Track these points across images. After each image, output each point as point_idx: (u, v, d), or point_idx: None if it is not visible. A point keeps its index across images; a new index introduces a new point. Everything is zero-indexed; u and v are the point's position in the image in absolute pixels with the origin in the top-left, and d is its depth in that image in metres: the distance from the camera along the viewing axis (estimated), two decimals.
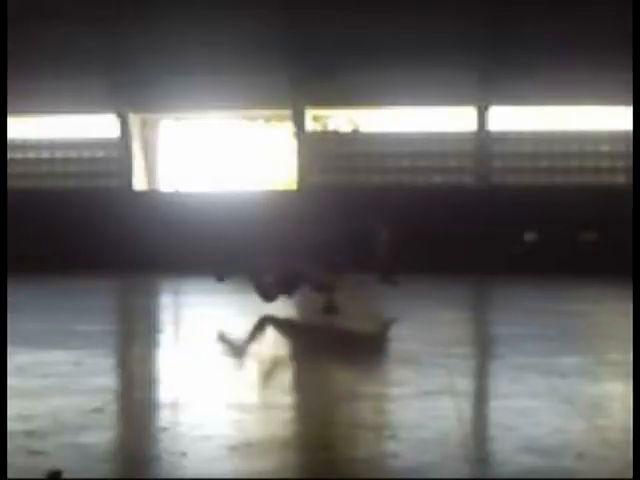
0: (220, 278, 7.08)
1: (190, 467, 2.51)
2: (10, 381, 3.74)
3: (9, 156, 12.25)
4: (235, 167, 12.57)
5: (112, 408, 3.37)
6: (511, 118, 11.89)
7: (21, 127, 12.55)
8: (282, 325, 6.19)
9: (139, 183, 12.31)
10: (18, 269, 9.66)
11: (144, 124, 12.49)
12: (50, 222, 11.63)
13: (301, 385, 4.05)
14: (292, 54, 11.25)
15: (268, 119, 12.52)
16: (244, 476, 2.45)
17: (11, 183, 11.95)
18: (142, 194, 12.27)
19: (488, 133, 11.61)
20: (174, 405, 3.42)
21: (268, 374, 4.33)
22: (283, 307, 6.77)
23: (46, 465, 2.46)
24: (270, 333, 5.72)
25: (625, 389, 3.72)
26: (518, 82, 11.13)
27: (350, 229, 6.68)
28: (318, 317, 6.33)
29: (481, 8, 10.86)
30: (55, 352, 4.67)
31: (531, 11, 10.82)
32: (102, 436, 2.86)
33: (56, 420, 3.04)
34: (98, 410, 3.21)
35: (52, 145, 12.51)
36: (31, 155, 12.54)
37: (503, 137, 11.77)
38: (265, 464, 2.56)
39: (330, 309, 6.39)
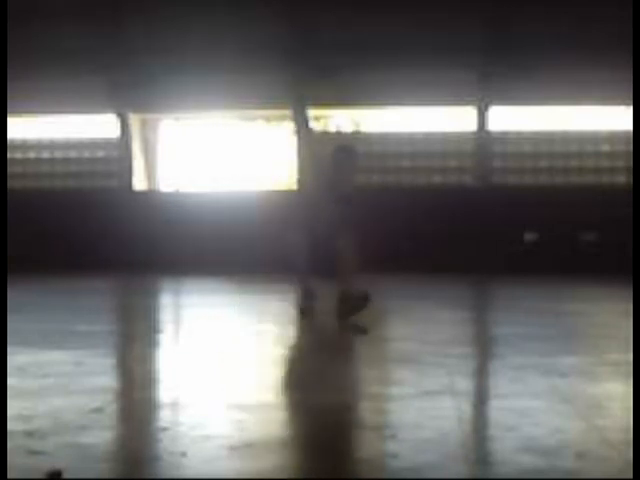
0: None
1: (190, 467, 2.51)
2: (10, 381, 3.73)
3: (9, 156, 12.26)
4: (235, 167, 12.57)
5: (112, 408, 3.37)
6: (511, 118, 11.90)
7: (21, 127, 12.55)
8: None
9: (139, 183, 12.31)
10: (18, 269, 9.67)
11: (144, 124, 12.49)
12: (50, 222, 11.63)
13: (301, 385, 4.04)
14: (292, 54, 11.26)
15: (268, 119, 12.52)
16: (244, 476, 2.45)
17: (11, 183, 11.97)
18: (142, 194, 12.27)
19: (488, 133, 11.61)
20: (174, 405, 3.42)
21: (267, 373, 4.33)
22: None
23: (46, 465, 2.46)
24: (270, 333, 5.72)
25: (625, 389, 3.72)
26: (518, 82, 11.13)
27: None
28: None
29: (481, 8, 10.86)
30: (55, 352, 4.67)
31: (531, 11, 10.82)
32: (102, 436, 2.86)
33: (56, 420, 3.04)
34: (98, 410, 3.21)
35: (52, 145, 12.52)
36: (31, 155, 12.55)
37: (503, 137, 11.77)
38: (264, 464, 2.56)
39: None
